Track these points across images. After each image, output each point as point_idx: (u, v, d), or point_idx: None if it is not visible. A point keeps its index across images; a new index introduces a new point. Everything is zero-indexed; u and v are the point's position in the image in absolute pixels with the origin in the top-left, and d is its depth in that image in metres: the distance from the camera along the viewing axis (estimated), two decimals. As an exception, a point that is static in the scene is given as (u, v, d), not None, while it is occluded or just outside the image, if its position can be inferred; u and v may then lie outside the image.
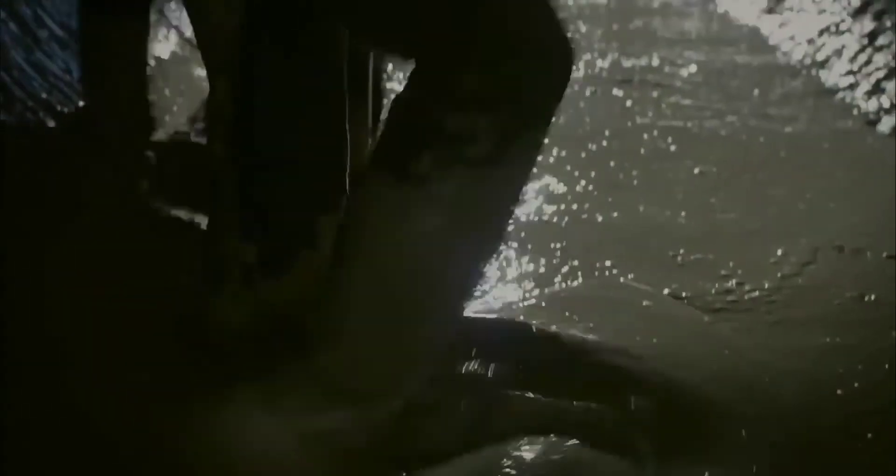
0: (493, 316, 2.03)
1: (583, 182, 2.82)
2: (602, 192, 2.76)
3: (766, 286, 2.24)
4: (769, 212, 2.67)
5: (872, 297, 2.18)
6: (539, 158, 2.96)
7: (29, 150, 2.53)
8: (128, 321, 1.82)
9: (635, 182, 2.86)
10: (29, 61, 2.88)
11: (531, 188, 2.78)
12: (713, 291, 2.21)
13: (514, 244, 2.44)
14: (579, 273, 2.31)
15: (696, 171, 2.94)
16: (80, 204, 2.29)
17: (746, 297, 2.20)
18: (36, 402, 1.57)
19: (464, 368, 1.76)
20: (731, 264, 2.33)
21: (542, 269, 2.33)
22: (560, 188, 2.79)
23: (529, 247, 2.44)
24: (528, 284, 2.26)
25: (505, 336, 1.89)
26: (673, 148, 3.13)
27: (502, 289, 2.24)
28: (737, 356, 1.93)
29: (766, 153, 3.11)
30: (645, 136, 3.24)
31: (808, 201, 2.73)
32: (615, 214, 2.63)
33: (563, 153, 3.04)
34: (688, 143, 3.17)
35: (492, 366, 1.77)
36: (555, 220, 2.60)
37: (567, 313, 2.07)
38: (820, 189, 2.81)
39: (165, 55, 3.70)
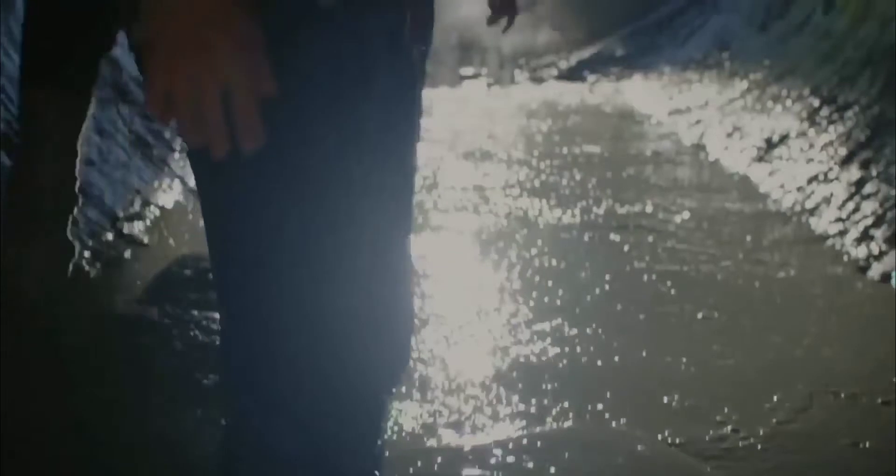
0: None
1: (593, 325, 2.86)
2: (609, 336, 2.80)
3: (761, 433, 2.25)
4: (767, 357, 2.70)
5: (867, 445, 2.19)
6: (546, 300, 3.02)
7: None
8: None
9: (642, 326, 2.90)
10: None
11: (541, 329, 2.82)
12: (707, 439, 2.23)
13: (505, 383, 2.47)
14: (570, 414, 2.33)
15: (699, 315, 2.98)
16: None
17: (741, 443, 2.21)
18: None
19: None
20: (726, 410, 2.35)
21: (532, 409, 2.35)
22: (571, 331, 2.83)
23: (520, 386, 2.46)
24: (514, 425, 2.28)
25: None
26: (673, 291, 3.18)
27: (488, 427, 2.26)
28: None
29: (762, 298, 3.16)
30: (644, 278, 3.29)
31: (804, 347, 2.76)
32: (616, 359, 2.65)
33: (569, 296, 3.09)
34: (686, 287, 3.22)
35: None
36: (557, 362, 2.63)
37: (552, 456, 2.09)
38: (816, 334, 2.84)
39: (169, 204, 3.77)
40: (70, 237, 2.70)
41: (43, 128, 2.56)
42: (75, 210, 2.69)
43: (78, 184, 2.68)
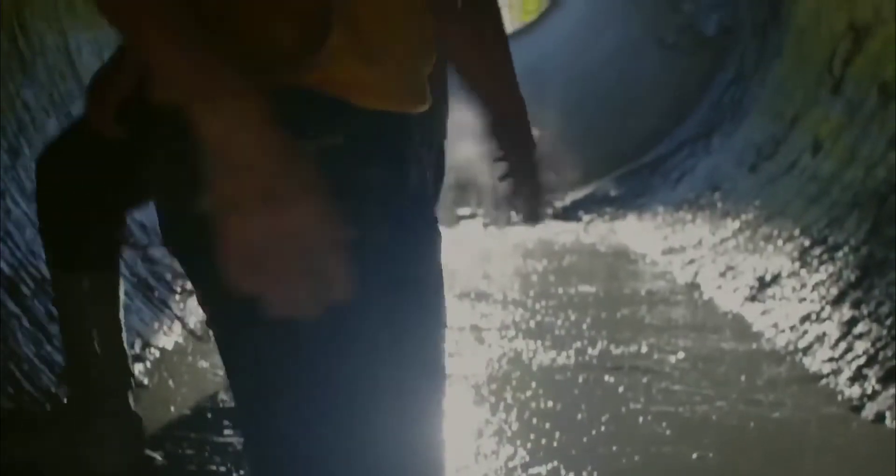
0: None
1: (589, 468, 2.86)
2: (607, 480, 2.80)
3: None
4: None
5: None
6: (543, 442, 3.02)
7: (31, 441, 2.59)
8: None
9: (638, 468, 2.90)
10: (39, 355, 2.98)
11: (538, 472, 2.82)
12: None
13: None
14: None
15: (695, 456, 2.98)
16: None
17: None
18: None
19: None
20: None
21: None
22: (568, 474, 2.82)
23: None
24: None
25: None
26: (668, 433, 3.19)
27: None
28: None
29: (758, 438, 3.16)
30: (640, 419, 3.30)
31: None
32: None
33: (565, 438, 3.09)
34: (681, 427, 3.23)
35: None
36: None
37: None
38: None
39: (169, 346, 3.81)
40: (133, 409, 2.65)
41: (79, 311, 2.55)
42: (132, 382, 2.67)
43: (130, 358, 2.66)
